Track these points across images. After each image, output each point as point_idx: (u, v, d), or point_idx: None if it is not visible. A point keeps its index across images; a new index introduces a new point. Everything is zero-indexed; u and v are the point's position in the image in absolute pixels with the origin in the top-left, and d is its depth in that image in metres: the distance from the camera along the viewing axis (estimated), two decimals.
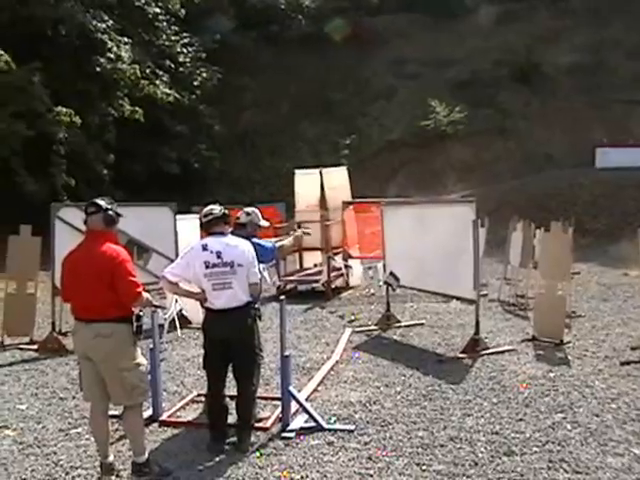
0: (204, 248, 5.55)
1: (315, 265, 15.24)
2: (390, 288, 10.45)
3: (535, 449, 5.46)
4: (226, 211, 5.76)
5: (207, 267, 5.50)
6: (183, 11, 26.14)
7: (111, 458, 5.13)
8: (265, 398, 6.83)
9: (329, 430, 5.97)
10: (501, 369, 7.71)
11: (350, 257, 14.21)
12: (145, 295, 4.99)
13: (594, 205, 20.30)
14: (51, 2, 20.25)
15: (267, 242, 6.59)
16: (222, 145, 28.33)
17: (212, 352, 5.70)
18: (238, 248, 5.62)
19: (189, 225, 11.21)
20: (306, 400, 6.53)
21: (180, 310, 10.47)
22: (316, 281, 13.99)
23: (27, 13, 19.67)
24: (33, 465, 5.45)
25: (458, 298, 9.69)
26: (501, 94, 29.63)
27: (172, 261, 10.67)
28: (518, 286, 11.93)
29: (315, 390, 7.15)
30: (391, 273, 10.33)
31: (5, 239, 10.17)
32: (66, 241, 9.64)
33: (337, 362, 8.29)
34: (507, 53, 30.66)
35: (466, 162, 27.14)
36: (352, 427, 6.04)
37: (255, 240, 6.22)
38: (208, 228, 5.70)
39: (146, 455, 5.08)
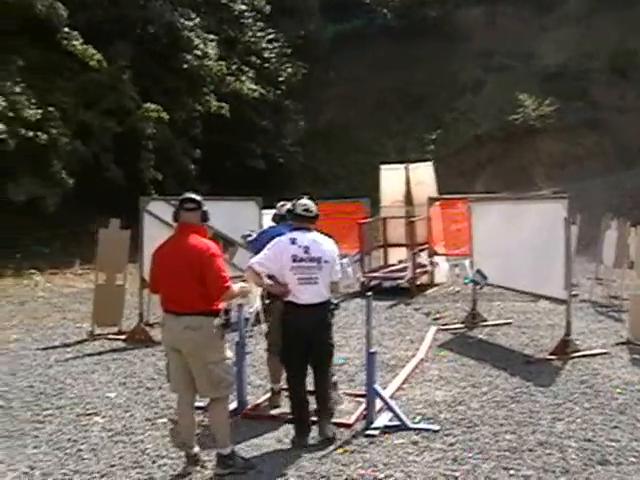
0: (292, 242, 5.57)
1: (399, 261, 15.10)
2: (477, 286, 10.25)
3: (632, 459, 5.14)
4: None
5: (294, 261, 5.50)
6: (268, 7, 26.27)
7: (196, 449, 5.16)
8: (349, 395, 6.78)
9: (414, 429, 5.85)
10: (593, 373, 7.40)
11: (435, 254, 14.00)
12: (234, 287, 5.03)
13: None
14: (140, 2, 20.73)
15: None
16: (306, 140, 28.23)
17: (293, 345, 5.68)
18: (325, 245, 5.68)
19: None
20: (391, 398, 6.42)
21: (264, 304, 10.47)
22: (401, 278, 13.87)
23: (117, 13, 20.19)
24: (121, 452, 5.55)
25: (548, 298, 9.34)
26: (593, 87, 28.31)
27: None
28: (611, 286, 11.46)
29: (400, 388, 7.06)
30: (478, 271, 10.14)
31: (96, 232, 10.47)
32: (154, 234, 9.88)
33: (422, 360, 8.18)
34: (600, 44, 29.24)
35: (556, 157, 26.36)
36: (437, 427, 5.91)
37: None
38: (299, 222, 5.72)
39: (230, 447, 5.08)
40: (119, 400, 6.91)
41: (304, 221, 5.69)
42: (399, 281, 13.90)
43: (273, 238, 5.80)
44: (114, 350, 9.17)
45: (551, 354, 8.12)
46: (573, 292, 10.44)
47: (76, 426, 6.16)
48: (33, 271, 14.67)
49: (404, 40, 31.69)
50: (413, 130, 29.18)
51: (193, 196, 5.17)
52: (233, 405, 6.24)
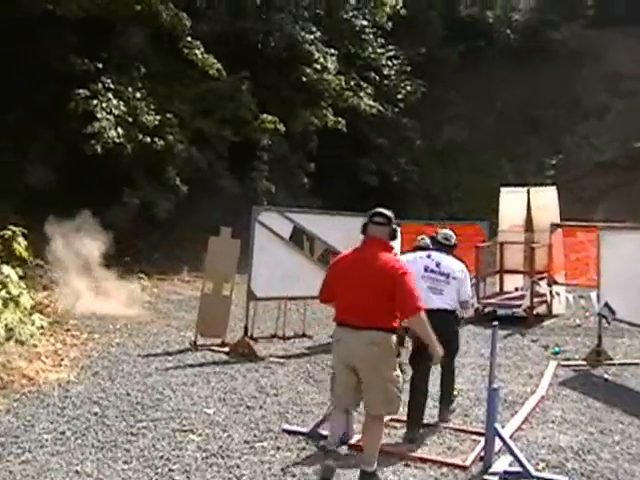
0: (428, 256, 6.64)
1: (516, 289, 14.37)
2: (605, 321, 9.44)
3: None
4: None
5: (425, 270, 6.46)
6: (390, 24, 25.89)
7: (337, 448, 5.21)
8: (464, 431, 6.23)
9: (537, 478, 5.18)
10: None
11: (555, 283, 13.18)
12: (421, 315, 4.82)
13: None
14: (262, 14, 20.84)
15: None
16: (422, 159, 27.70)
17: (420, 349, 5.66)
18: (455, 265, 6.63)
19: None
20: (510, 439, 5.72)
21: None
22: (517, 306, 13.19)
23: (239, 24, 20.39)
24: (215, 477, 5.10)
25: None
26: None
27: None
28: None
29: (519, 428, 6.38)
30: (606, 304, 9.33)
31: (205, 240, 10.20)
32: (265, 245, 9.62)
33: (543, 398, 7.46)
34: None
35: None
36: (565, 478, 5.22)
37: None
38: (438, 246, 6.80)
39: (375, 466, 4.89)
40: (217, 417, 6.46)
41: (442, 247, 6.73)
42: (515, 309, 13.21)
43: None
44: (216, 363, 8.80)
45: None
46: None
47: (170, 442, 5.75)
48: (141, 275, 14.67)
49: (526, 61, 30.89)
50: (532, 153, 28.31)
51: (384, 211, 5.05)
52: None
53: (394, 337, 4.86)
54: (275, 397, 7.22)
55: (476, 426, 6.29)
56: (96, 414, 6.41)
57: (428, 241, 7.14)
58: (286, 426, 6.18)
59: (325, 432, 5.64)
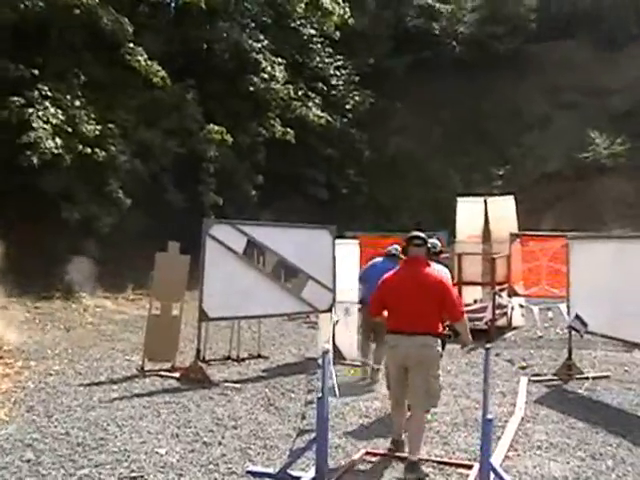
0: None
1: (475, 301, 14.00)
2: (577, 334, 9.19)
3: None
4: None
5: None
6: (338, 33, 25.52)
7: (403, 437, 5.84)
8: (448, 464, 5.69)
9: None
10: None
11: (516, 294, 12.95)
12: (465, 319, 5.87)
13: None
14: (207, 22, 20.25)
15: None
16: (371, 171, 27.43)
17: None
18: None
19: (347, 250, 10.21)
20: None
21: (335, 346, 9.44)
22: (479, 319, 12.73)
23: (183, 32, 19.77)
24: None
25: None
26: None
27: (329, 289, 9.83)
28: None
29: (506, 457, 5.88)
30: (577, 316, 9.06)
31: (151, 256, 9.44)
32: (217, 260, 8.92)
33: (522, 419, 7.03)
34: None
35: (627, 197, 25.33)
36: None
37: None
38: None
39: (418, 456, 5.51)
40: (171, 458, 5.68)
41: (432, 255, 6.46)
42: (476, 323, 12.73)
43: (383, 271, 6.38)
44: (166, 390, 8.06)
45: None
46: None
47: None
48: (83, 294, 13.82)
49: (473, 73, 31.18)
50: (480, 164, 28.36)
51: (420, 234, 5.92)
52: (311, 474, 5.09)
53: (439, 340, 5.68)
54: (235, 430, 6.52)
55: (460, 457, 5.87)
56: (29, 461, 5.55)
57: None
58: (250, 467, 5.48)
59: (295, 473, 5.14)
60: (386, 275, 5.96)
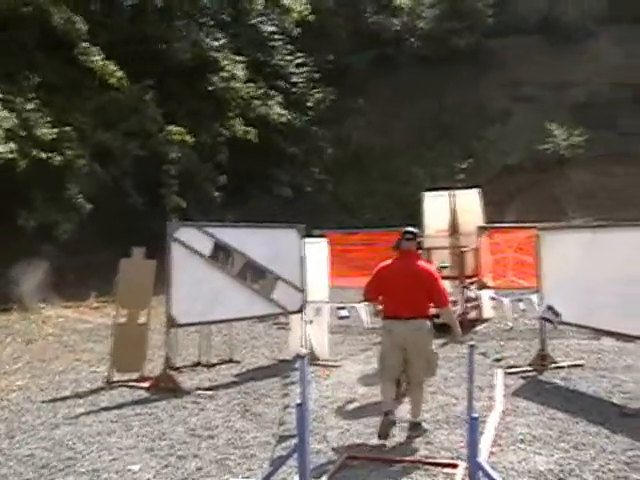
0: None
1: None
2: (552, 325, 9.03)
3: None
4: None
5: None
6: (297, 30, 25.32)
7: (395, 417, 6.29)
8: (434, 464, 5.51)
9: None
10: None
11: (485, 287, 12.79)
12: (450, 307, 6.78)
13: None
14: (165, 20, 19.86)
15: None
16: (334, 168, 27.34)
17: None
18: None
19: (317, 249, 9.98)
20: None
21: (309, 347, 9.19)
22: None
23: (140, 31, 19.34)
24: None
25: None
26: (622, 117, 28.06)
27: (299, 290, 9.59)
28: None
29: (490, 452, 5.75)
30: (550, 307, 8.92)
31: (115, 262, 9.06)
32: (183, 264, 8.58)
33: (503, 413, 6.90)
34: (626, 75, 29.07)
35: (587, 188, 25.90)
36: None
37: None
38: None
39: (421, 418, 6.45)
40: (145, 475, 5.36)
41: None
42: None
43: None
44: (136, 402, 7.70)
45: None
46: None
47: None
48: (42, 305, 13.34)
49: (434, 68, 31.32)
50: (443, 158, 28.48)
51: (411, 229, 6.57)
52: None
53: (430, 322, 6.41)
54: (211, 440, 6.22)
55: (444, 456, 5.70)
56: None
57: None
58: (230, 479, 5.19)
59: None
60: (381, 265, 6.58)
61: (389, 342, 6.45)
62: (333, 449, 5.96)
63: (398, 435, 6.26)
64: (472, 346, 4.85)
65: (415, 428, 6.33)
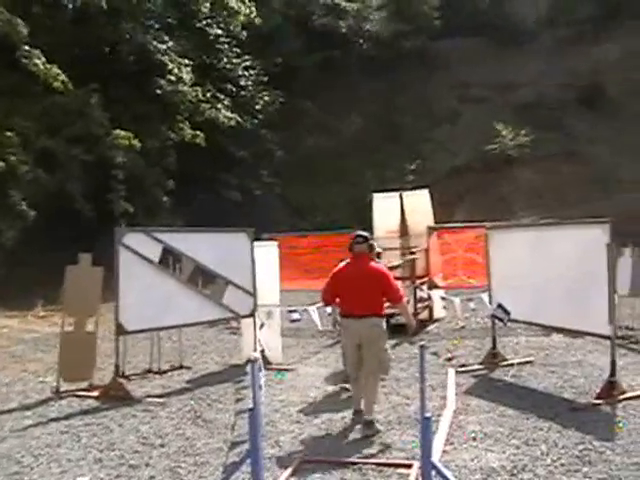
0: None
1: None
2: (502, 323, 9.14)
3: None
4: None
5: None
6: (244, 33, 25.22)
7: (362, 406, 6.73)
8: (385, 465, 5.53)
9: None
10: None
11: (436, 287, 12.92)
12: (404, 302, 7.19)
13: None
14: (110, 23, 19.54)
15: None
16: (283, 171, 27.33)
17: None
18: None
19: (267, 252, 9.94)
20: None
21: (262, 351, 9.13)
22: (399, 313, 12.62)
23: (85, 34, 18.98)
24: None
25: (589, 334, 8.38)
26: (567, 117, 28.90)
27: (250, 294, 9.55)
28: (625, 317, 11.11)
29: (443, 451, 5.79)
30: (500, 306, 9.06)
31: (61, 269, 8.87)
32: (132, 270, 8.46)
33: (455, 412, 6.96)
34: (572, 76, 29.99)
35: (534, 187, 26.34)
36: None
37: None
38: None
39: (373, 416, 6.60)
40: None
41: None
42: (398, 317, 12.65)
43: None
44: (85, 412, 7.54)
45: (597, 398, 7.20)
46: None
47: None
48: None
49: (382, 70, 31.61)
50: (393, 160, 28.74)
51: (362, 233, 6.92)
52: None
53: (384, 320, 6.78)
54: (162, 448, 6.14)
55: (397, 456, 5.73)
56: None
57: None
58: None
59: None
60: (336, 269, 6.95)
61: (347, 339, 6.81)
62: (287, 453, 5.93)
63: (352, 435, 6.30)
64: (422, 347, 4.88)
65: (369, 426, 6.48)
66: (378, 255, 8.02)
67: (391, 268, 9.82)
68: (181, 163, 21.29)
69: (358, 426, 6.54)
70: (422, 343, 4.98)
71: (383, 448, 6.00)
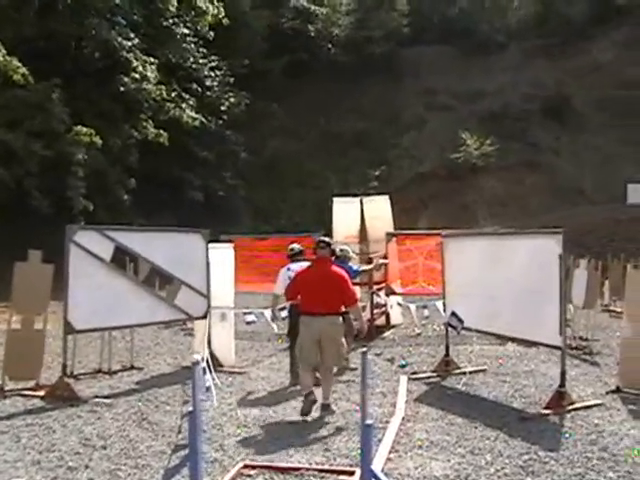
0: (288, 269, 8.67)
1: None
2: (455, 331, 9.16)
3: None
4: (302, 248, 9.29)
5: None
6: (212, 34, 25.08)
7: (314, 397, 7.17)
8: (327, 471, 5.45)
9: None
10: (597, 430, 6.50)
11: (393, 293, 12.93)
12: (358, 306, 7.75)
13: (633, 241, 19.48)
14: (75, 18, 19.27)
15: (354, 265, 9.93)
16: (247, 173, 27.25)
17: (296, 325, 7.85)
18: None
19: (222, 254, 9.86)
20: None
21: (211, 353, 9.03)
22: (355, 319, 12.60)
23: (48, 28, 18.68)
24: None
25: (540, 344, 8.41)
26: (531, 128, 29.36)
27: (203, 295, 9.45)
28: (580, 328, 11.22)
29: (388, 459, 5.71)
30: (453, 314, 9.08)
31: (11, 266, 8.68)
32: (82, 268, 8.30)
33: (403, 419, 6.90)
34: (537, 87, 30.51)
35: (498, 196, 26.74)
36: None
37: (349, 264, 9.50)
38: (292, 258, 9.06)
39: (330, 400, 7.35)
40: None
41: (296, 256, 9.14)
42: (354, 322, 12.65)
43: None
44: (29, 411, 7.37)
45: (546, 408, 7.21)
46: None
47: None
48: None
49: (350, 75, 31.64)
50: (357, 165, 28.86)
51: (325, 239, 7.67)
52: None
53: (341, 318, 7.32)
54: (104, 450, 6.02)
55: (341, 463, 5.65)
56: None
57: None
58: None
59: None
60: (300, 270, 7.74)
61: (306, 335, 7.27)
62: (230, 457, 5.86)
63: (298, 441, 6.23)
64: (365, 353, 4.87)
65: (326, 408, 7.23)
66: (350, 259, 9.33)
67: (363, 272, 11.09)
68: (144, 162, 21.06)
69: (305, 431, 6.47)
70: (364, 349, 4.94)
71: (327, 454, 5.90)
